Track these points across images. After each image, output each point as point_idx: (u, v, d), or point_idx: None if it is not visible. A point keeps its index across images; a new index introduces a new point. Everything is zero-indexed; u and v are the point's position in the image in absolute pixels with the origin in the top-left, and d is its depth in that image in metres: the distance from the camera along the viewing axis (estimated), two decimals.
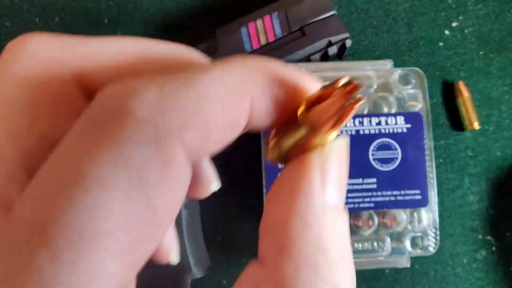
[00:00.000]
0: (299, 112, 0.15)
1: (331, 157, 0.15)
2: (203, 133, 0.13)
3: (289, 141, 0.15)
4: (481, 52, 0.46)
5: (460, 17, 0.47)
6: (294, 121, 0.15)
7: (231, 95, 0.14)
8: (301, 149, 0.15)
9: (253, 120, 0.15)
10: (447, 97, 0.46)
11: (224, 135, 0.14)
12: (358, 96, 0.14)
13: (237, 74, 0.14)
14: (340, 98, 0.14)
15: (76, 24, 0.48)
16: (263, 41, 0.42)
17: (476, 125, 0.44)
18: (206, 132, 0.13)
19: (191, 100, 0.13)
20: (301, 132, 0.15)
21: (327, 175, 0.14)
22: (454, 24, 0.47)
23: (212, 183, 0.20)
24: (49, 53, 0.14)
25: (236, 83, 0.14)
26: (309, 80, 0.16)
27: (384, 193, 0.40)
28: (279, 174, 0.15)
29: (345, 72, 0.42)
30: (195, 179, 0.19)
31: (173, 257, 0.20)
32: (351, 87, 0.14)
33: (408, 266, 0.41)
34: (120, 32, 0.47)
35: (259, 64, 0.15)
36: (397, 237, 0.41)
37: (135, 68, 0.15)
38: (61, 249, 0.11)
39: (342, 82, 0.15)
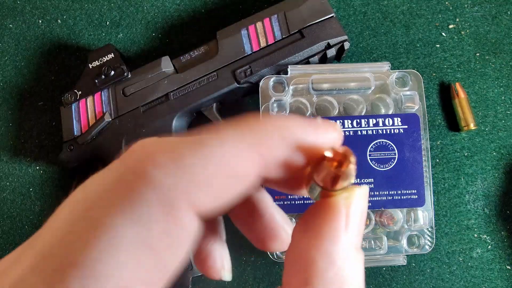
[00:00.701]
0: (306, 172, 0.17)
1: (355, 203, 0.16)
2: (208, 191, 0.15)
3: (316, 191, 0.17)
4: (477, 54, 0.47)
5: (457, 19, 0.47)
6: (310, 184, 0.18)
7: (236, 158, 0.15)
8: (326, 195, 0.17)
9: (269, 176, 0.17)
10: (444, 98, 0.47)
11: (229, 192, 0.16)
12: (352, 161, 0.16)
13: (249, 137, 0.16)
14: (332, 164, 0.16)
15: (78, 26, 0.48)
16: (262, 43, 0.43)
17: (472, 126, 0.45)
18: (210, 190, 0.15)
19: (198, 162, 0.15)
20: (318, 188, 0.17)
21: (350, 219, 0.16)
22: (451, 26, 0.47)
23: (222, 271, 0.21)
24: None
25: (244, 146, 0.15)
26: (327, 136, 0.17)
27: (381, 192, 0.41)
28: (308, 209, 0.17)
29: (343, 73, 0.42)
30: (207, 257, 0.21)
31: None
32: (342, 158, 0.16)
33: (405, 264, 0.42)
34: (122, 34, 0.48)
35: (275, 128, 0.17)
36: (394, 236, 0.42)
37: None
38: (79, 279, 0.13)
39: (328, 154, 0.16)
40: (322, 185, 0.16)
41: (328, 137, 0.17)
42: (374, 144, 0.42)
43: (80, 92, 0.44)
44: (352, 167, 0.16)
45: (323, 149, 0.16)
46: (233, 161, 0.15)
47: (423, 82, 0.43)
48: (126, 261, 0.13)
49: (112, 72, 0.43)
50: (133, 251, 0.13)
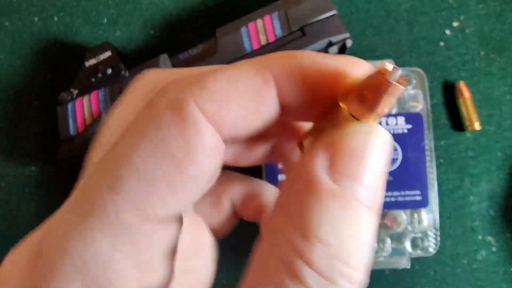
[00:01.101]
0: (339, 95, 0.15)
1: (378, 142, 0.15)
2: (229, 109, 0.15)
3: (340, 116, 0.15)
4: (482, 52, 0.46)
5: (461, 17, 0.47)
6: (332, 117, 0.16)
7: (252, 78, 0.15)
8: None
9: (286, 105, 0.16)
10: (448, 97, 0.46)
11: (250, 112, 0.15)
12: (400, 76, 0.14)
13: (258, 63, 0.16)
14: (379, 80, 0.14)
15: (75, 23, 0.48)
16: (263, 41, 0.42)
17: (477, 126, 0.44)
18: (231, 108, 0.15)
19: (215, 79, 0.15)
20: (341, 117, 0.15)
21: (370, 161, 0.15)
22: (455, 24, 0.47)
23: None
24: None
25: (257, 67, 0.16)
26: (349, 65, 0.16)
27: (385, 193, 0.40)
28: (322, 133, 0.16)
29: None
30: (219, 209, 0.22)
31: None
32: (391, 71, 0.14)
33: (408, 266, 0.41)
34: (119, 32, 0.47)
35: (284, 54, 0.16)
36: (397, 238, 0.41)
37: None
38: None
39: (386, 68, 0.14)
40: (357, 107, 0.15)
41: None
42: None
43: (76, 91, 0.43)
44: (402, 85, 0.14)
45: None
46: (250, 82, 0.15)
47: (427, 81, 0.42)
48: (148, 175, 0.14)
49: (110, 71, 0.42)
50: (154, 164, 0.14)
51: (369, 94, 0.14)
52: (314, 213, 0.14)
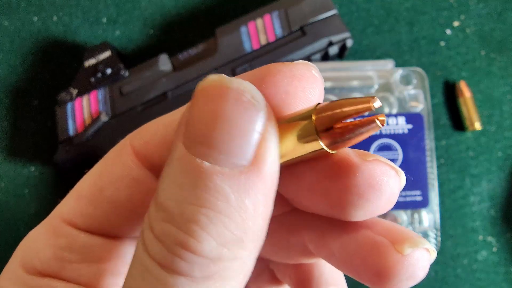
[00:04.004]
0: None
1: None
2: (147, 137, 0.17)
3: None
4: (482, 52, 0.46)
5: (462, 17, 0.46)
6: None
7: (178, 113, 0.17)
8: None
9: None
10: (449, 97, 0.46)
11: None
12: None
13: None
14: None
15: (74, 23, 0.47)
16: (263, 41, 0.42)
17: (478, 125, 0.44)
18: (149, 136, 0.17)
19: (152, 123, 0.17)
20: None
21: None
22: (455, 24, 0.46)
23: None
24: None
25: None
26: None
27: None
28: None
29: (346, 72, 0.41)
30: None
31: None
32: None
33: None
34: (119, 31, 0.47)
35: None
36: None
37: None
38: None
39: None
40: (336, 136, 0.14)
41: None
42: (377, 145, 0.41)
43: (76, 91, 0.43)
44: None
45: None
46: (173, 117, 0.17)
47: (428, 81, 0.42)
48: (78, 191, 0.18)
49: (109, 70, 0.42)
50: (86, 187, 0.17)
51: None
52: (163, 179, 0.14)
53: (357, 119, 0.14)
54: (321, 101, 0.15)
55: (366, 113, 0.14)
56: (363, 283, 0.16)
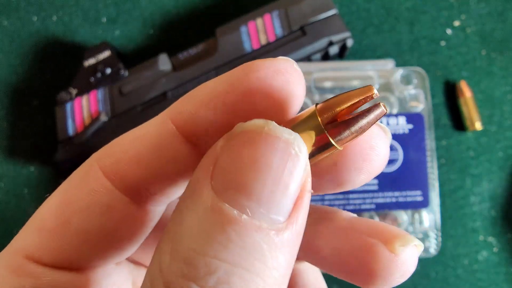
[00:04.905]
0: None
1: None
2: (118, 156, 0.16)
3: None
4: (483, 52, 0.46)
5: (462, 16, 0.46)
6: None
7: (148, 127, 0.16)
8: None
9: (193, 127, 0.16)
10: (449, 96, 0.45)
11: (141, 156, 0.16)
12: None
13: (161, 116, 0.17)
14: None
15: (74, 23, 0.47)
16: (263, 40, 0.42)
17: (478, 125, 0.44)
18: (120, 155, 0.15)
19: (119, 139, 0.16)
20: None
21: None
22: (456, 23, 0.46)
23: None
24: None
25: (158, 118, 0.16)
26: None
27: (386, 194, 0.40)
28: None
29: (346, 71, 0.41)
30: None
31: None
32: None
33: None
34: (119, 31, 0.47)
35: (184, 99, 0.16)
36: None
37: None
38: None
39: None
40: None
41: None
42: None
43: (75, 91, 0.43)
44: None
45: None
46: (143, 130, 0.16)
47: (428, 81, 0.42)
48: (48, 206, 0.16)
49: (109, 70, 0.42)
50: (56, 201, 0.16)
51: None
52: (185, 224, 0.12)
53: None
54: (304, 94, 0.15)
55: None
56: (354, 283, 0.16)
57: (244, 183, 0.12)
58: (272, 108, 0.14)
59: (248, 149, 0.12)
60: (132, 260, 0.19)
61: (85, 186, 0.16)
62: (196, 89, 0.15)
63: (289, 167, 0.12)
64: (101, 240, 0.16)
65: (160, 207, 0.17)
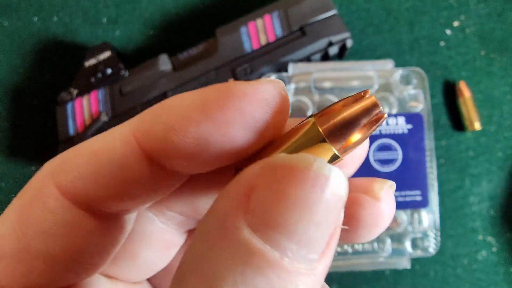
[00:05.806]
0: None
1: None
2: (71, 171, 0.14)
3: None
4: (482, 52, 0.46)
5: (462, 17, 0.46)
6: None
7: (104, 138, 0.15)
8: None
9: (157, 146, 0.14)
10: (449, 97, 0.46)
11: (97, 171, 0.14)
12: None
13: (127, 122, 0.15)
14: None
15: (74, 23, 0.47)
16: (263, 41, 0.42)
17: (477, 126, 0.44)
18: (74, 170, 0.14)
19: (70, 151, 0.15)
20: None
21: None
22: (455, 24, 0.46)
23: None
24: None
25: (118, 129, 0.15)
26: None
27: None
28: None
29: (346, 72, 0.41)
30: None
31: None
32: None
33: (409, 267, 0.41)
34: (119, 31, 0.47)
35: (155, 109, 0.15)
36: (398, 238, 0.41)
37: None
38: None
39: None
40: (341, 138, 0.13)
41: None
42: (377, 145, 0.41)
43: (76, 91, 0.43)
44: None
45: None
46: (103, 145, 0.14)
47: (428, 81, 0.42)
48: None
49: (109, 71, 0.42)
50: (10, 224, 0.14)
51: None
52: (223, 274, 0.11)
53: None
54: (285, 121, 0.14)
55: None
56: (343, 241, 0.16)
57: (286, 223, 0.11)
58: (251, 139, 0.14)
59: (294, 187, 0.11)
60: (105, 275, 0.18)
61: (42, 206, 0.14)
62: (165, 105, 0.14)
63: (334, 209, 0.12)
64: (70, 260, 0.15)
65: (131, 214, 0.16)
